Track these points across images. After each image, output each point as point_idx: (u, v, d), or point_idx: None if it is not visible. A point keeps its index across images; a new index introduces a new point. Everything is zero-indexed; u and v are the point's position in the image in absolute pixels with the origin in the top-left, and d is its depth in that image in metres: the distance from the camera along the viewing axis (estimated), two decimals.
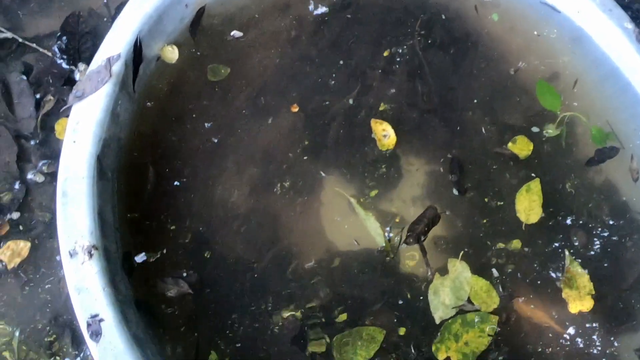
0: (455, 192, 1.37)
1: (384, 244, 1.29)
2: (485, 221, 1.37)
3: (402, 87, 1.45)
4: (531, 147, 1.40)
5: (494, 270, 1.33)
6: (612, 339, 1.31)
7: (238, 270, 1.29)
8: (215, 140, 1.38)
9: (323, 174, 1.37)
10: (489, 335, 1.22)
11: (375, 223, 1.31)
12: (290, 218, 1.35)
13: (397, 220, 1.37)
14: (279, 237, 1.33)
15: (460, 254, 1.32)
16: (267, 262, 1.30)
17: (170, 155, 1.36)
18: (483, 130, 1.43)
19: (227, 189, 1.35)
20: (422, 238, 1.32)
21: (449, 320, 1.26)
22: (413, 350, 1.23)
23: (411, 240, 1.31)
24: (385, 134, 1.38)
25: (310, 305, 1.28)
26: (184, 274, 1.27)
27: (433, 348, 1.21)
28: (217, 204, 1.34)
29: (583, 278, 1.32)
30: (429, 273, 1.31)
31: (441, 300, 1.26)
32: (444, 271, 1.31)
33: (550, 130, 1.42)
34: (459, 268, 1.30)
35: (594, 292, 1.31)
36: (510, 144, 1.40)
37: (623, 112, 1.43)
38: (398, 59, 1.48)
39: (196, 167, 1.35)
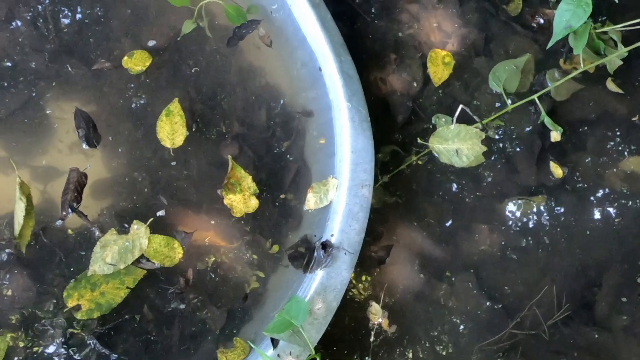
0: (85, 146, 1.30)
1: (18, 235, 1.20)
2: (133, 160, 1.33)
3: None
4: (148, 62, 1.35)
5: (160, 212, 1.30)
6: (270, 242, 1.31)
7: None
8: None
9: None
10: (127, 287, 1.20)
11: (20, 212, 1.19)
12: None
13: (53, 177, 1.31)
14: None
15: (150, 220, 1.25)
16: None
17: None
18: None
19: None
20: (76, 205, 1.23)
21: None
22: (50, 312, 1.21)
23: (64, 214, 1.22)
24: None
25: None
26: None
27: (64, 294, 1.18)
28: None
29: (247, 180, 1.31)
30: (97, 233, 1.24)
31: (103, 256, 1.20)
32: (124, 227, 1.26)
33: (188, 25, 1.38)
34: (140, 232, 1.22)
35: (258, 191, 1.30)
36: (125, 58, 1.35)
37: None
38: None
39: None
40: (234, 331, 1.24)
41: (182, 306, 1.23)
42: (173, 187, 1.31)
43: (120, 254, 1.19)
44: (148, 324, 1.22)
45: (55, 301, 1.21)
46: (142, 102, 1.36)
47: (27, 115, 1.35)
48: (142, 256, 1.20)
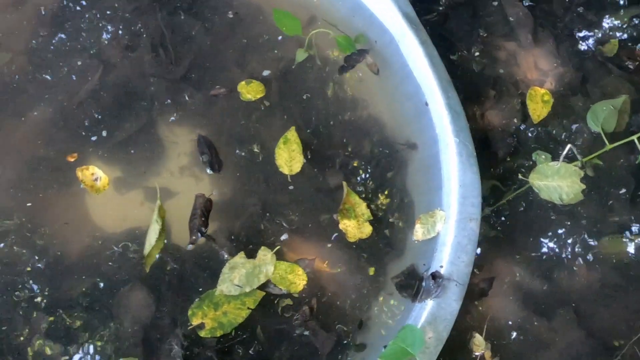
0: (209, 171, 1.37)
1: (147, 254, 1.26)
2: (246, 184, 1.38)
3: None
4: (261, 90, 1.42)
5: (283, 236, 1.34)
6: (374, 269, 1.35)
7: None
8: None
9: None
10: (248, 308, 1.24)
11: (154, 234, 1.25)
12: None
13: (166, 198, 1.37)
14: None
15: (276, 248, 1.30)
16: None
17: None
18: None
19: None
20: (204, 230, 1.28)
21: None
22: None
23: (194, 238, 1.27)
24: (95, 177, 1.34)
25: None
26: None
27: (189, 312, 1.23)
28: None
29: (361, 206, 1.36)
30: (226, 256, 1.29)
31: (231, 277, 1.24)
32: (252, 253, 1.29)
33: (301, 54, 1.45)
34: (267, 259, 1.27)
35: (371, 217, 1.35)
36: (242, 84, 1.42)
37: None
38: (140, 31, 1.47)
39: None
40: (340, 356, 1.28)
41: (306, 332, 1.27)
42: (289, 213, 1.35)
43: (247, 277, 1.24)
44: (260, 344, 1.26)
45: (173, 318, 1.26)
46: (254, 128, 1.41)
47: (142, 139, 1.41)
48: (268, 281, 1.24)
